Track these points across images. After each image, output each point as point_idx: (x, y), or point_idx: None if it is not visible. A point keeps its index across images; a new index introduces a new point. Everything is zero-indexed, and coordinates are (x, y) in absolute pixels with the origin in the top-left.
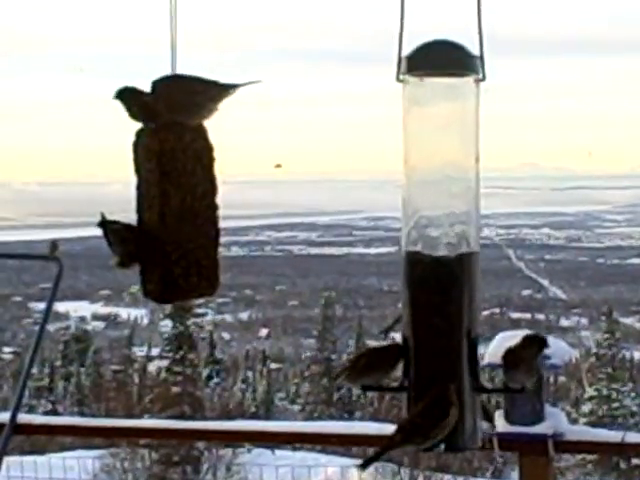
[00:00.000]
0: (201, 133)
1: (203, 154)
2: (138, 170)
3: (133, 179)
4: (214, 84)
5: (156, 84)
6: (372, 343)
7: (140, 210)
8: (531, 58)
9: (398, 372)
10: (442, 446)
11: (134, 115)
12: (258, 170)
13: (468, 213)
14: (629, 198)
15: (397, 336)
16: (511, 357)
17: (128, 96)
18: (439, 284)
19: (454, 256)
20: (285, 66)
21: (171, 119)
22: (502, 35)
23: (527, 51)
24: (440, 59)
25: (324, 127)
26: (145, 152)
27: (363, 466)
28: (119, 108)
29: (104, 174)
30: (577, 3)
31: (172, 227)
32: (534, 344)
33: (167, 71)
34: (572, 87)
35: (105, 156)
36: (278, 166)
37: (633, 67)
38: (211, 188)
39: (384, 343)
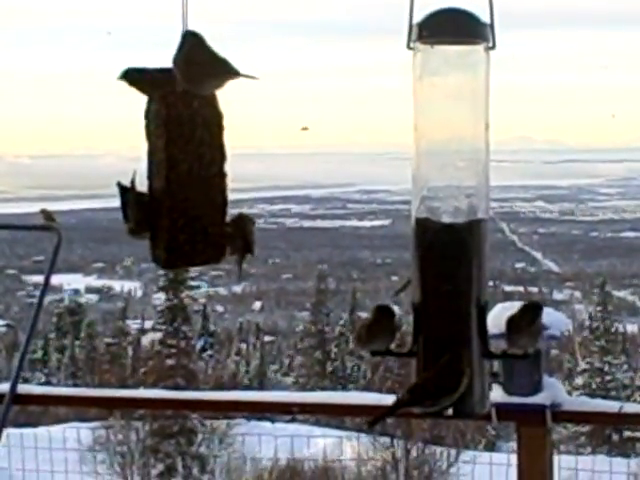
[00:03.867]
0: (210, 100)
1: (212, 121)
2: (149, 137)
3: (126, 152)
4: (224, 64)
5: (181, 47)
6: (365, 316)
7: (150, 177)
8: (527, 30)
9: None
10: (450, 410)
11: (143, 90)
12: (251, 142)
13: (478, 182)
14: (622, 171)
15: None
16: (513, 323)
17: (133, 75)
18: (448, 250)
19: (463, 223)
20: (283, 39)
21: (184, 88)
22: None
23: (523, 23)
24: (451, 26)
25: (318, 100)
26: (154, 118)
27: (371, 424)
28: (113, 81)
29: (97, 147)
30: None
31: (178, 193)
32: (533, 310)
33: (167, 44)
34: (567, 60)
35: (98, 129)
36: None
37: (629, 41)
38: (219, 156)
39: (377, 305)
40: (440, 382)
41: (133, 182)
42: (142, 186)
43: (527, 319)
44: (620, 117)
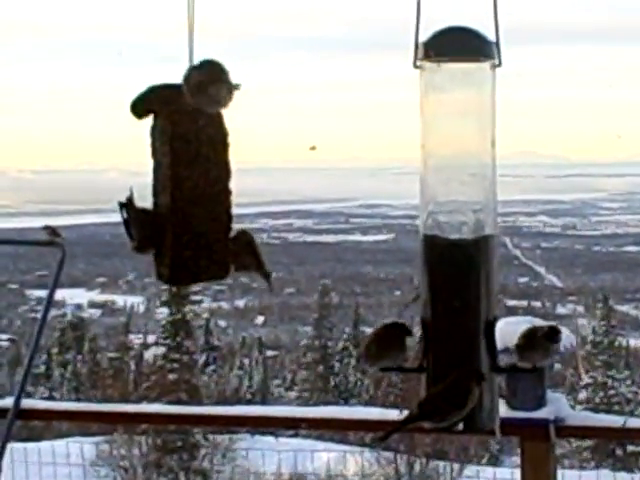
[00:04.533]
0: (216, 118)
1: (217, 139)
2: (154, 154)
3: (129, 167)
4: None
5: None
6: (368, 330)
7: (155, 194)
8: (531, 46)
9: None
10: (460, 425)
11: (151, 111)
12: (253, 158)
13: (485, 198)
14: (625, 186)
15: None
16: (532, 337)
17: (139, 105)
18: (457, 267)
19: (471, 239)
20: (286, 53)
21: (193, 106)
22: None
23: (527, 39)
24: (457, 45)
25: (321, 115)
26: (160, 135)
27: (382, 439)
28: (116, 97)
29: (100, 162)
30: None
31: (183, 210)
32: (555, 331)
33: (168, 58)
34: (571, 76)
35: (101, 144)
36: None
37: (633, 57)
38: (225, 173)
39: (387, 322)
40: (449, 398)
41: (131, 199)
42: (147, 202)
43: (548, 336)
44: (624, 132)
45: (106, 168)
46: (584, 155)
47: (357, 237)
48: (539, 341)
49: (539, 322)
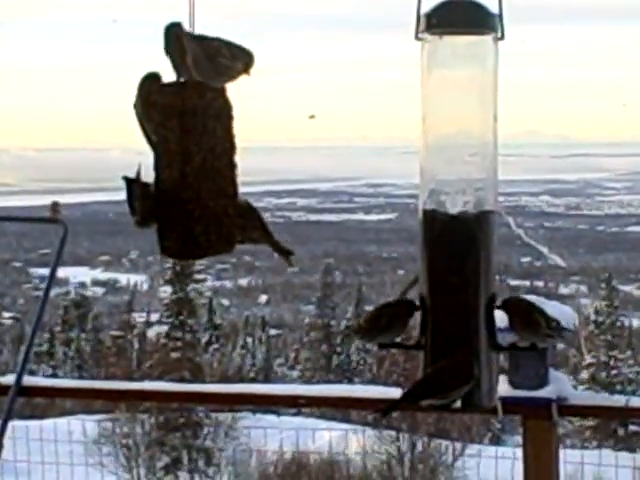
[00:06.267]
0: (221, 91)
1: (223, 113)
2: (157, 129)
3: (133, 145)
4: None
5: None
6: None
7: (158, 169)
8: (536, 25)
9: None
10: (458, 403)
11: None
12: (256, 136)
13: (486, 175)
14: (629, 166)
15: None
16: (523, 316)
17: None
18: (456, 242)
19: (471, 214)
20: (290, 32)
21: (195, 78)
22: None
23: (532, 18)
24: (459, 16)
25: (325, 93)
26: (166, 110)
27: (383, 414)
28: (118, 75)
29: (103, 140)
30: None
31: (193, 185)
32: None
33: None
34: (575, 54)
35: (104, 122)
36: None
37: (634, 35)
38: (230, 147)
39: (396, 299)
40: (452, 375)
41: (139, 175)
42: (148, 178)
43: (537, 314)
44: (629, 111)
45: (109, 146)
46: (589, 135)
47: (360, 216)
48: (532, 318)
49: (542, 301)
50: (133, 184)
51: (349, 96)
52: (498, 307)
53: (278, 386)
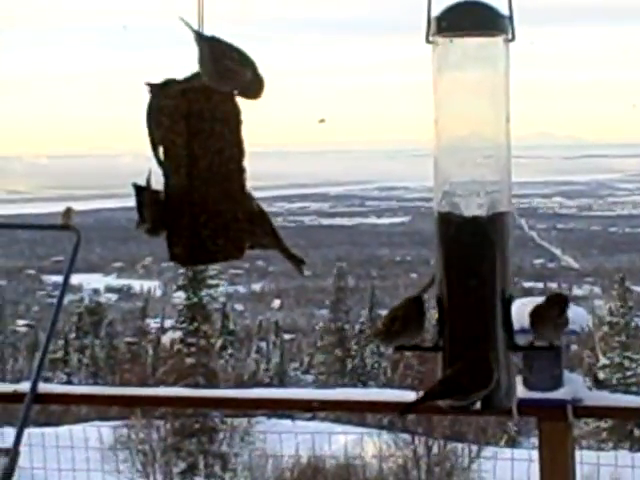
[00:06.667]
0: (228, 95)
1: (231, 117)
2: (165, 134)
3: (144, 151)
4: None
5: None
6: (384, 313)
7: (167, 174)
8: (544, 26)
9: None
10: (478, 404)
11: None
12: (269, 140)
13: (499, 177)
14: None
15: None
16: (539, 315)
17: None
18: (472, 244)
19: (486, 216)
20: (299, 36)
21: (203, 82)
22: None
23: (542, 20)
24: (470, 19)
25: (336, 97)
26: (173, 114)
27: (402, 413)
28: (128, 81)
29: (115, 146)
30: None
31: (200, 189)
32: (560, 301)
33: (181, 41)
34: (586, 56)
35: (115, 129)
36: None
37: None
38: (238, 151)
39: (409, 296)
40: (472, 376)
41: (149, 181)
42: (157, 185)
43: (555, 311)
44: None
45: (121, 153)
46: (600, 136)
47: (373, 220)
48: (547, 316)
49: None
50: (143, 192)
51: (358, 99)
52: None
53: (292, 390)
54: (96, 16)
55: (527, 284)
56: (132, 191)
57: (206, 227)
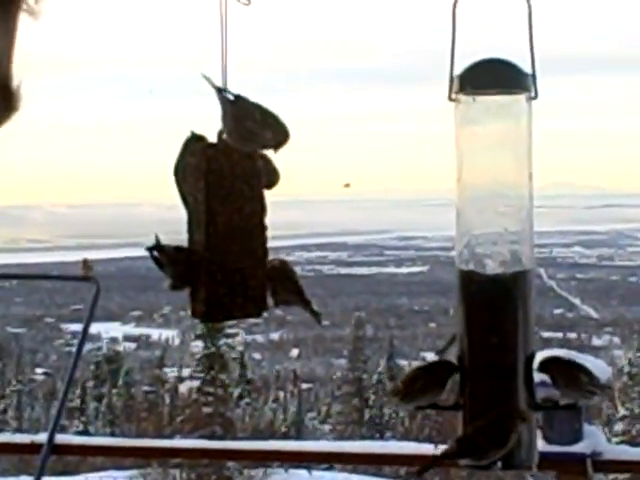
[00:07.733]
0: (250, 154)
1: (252, 175)
2: (191, 191)
3: (163, 200)
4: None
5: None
6: (403, 363)
7: (190, 230)
8: (561, 75)
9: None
10: (499, 463)
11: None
12: (287, 189)
13: (522, 231)
14: None
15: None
16: (565, 375)
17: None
18: (494, 302)
19: (508, 274)
20: (318, 86)
21: (224, 140)
22: (537, 52)
23: (562, 70)
24: (492, 78)
25: (355, 147)
26: (195, 171)
27: (419, 473)
28: (149, 131)
29: (134, 195)
30: (625, 22)
31: (218, 246)
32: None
33: (204, 93)
34: (605, 104)
35: (135, 178)
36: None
37: None
38: (259, 208)
39: (435, 360)
40: (490, 436)
41: (158, 243)
42: (182, 235)
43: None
44: None
45: (140, 202)
46: (619, 185)
47: (392, 269)
48: (574, 374)
49: (576, 356)
50: (161, 254)
51: (378, 149)
52: (538, 369)
53: (309, 443)
54: (116, 66)
55: (546, 334)
56: (152, 240)
57: (223, 284)
